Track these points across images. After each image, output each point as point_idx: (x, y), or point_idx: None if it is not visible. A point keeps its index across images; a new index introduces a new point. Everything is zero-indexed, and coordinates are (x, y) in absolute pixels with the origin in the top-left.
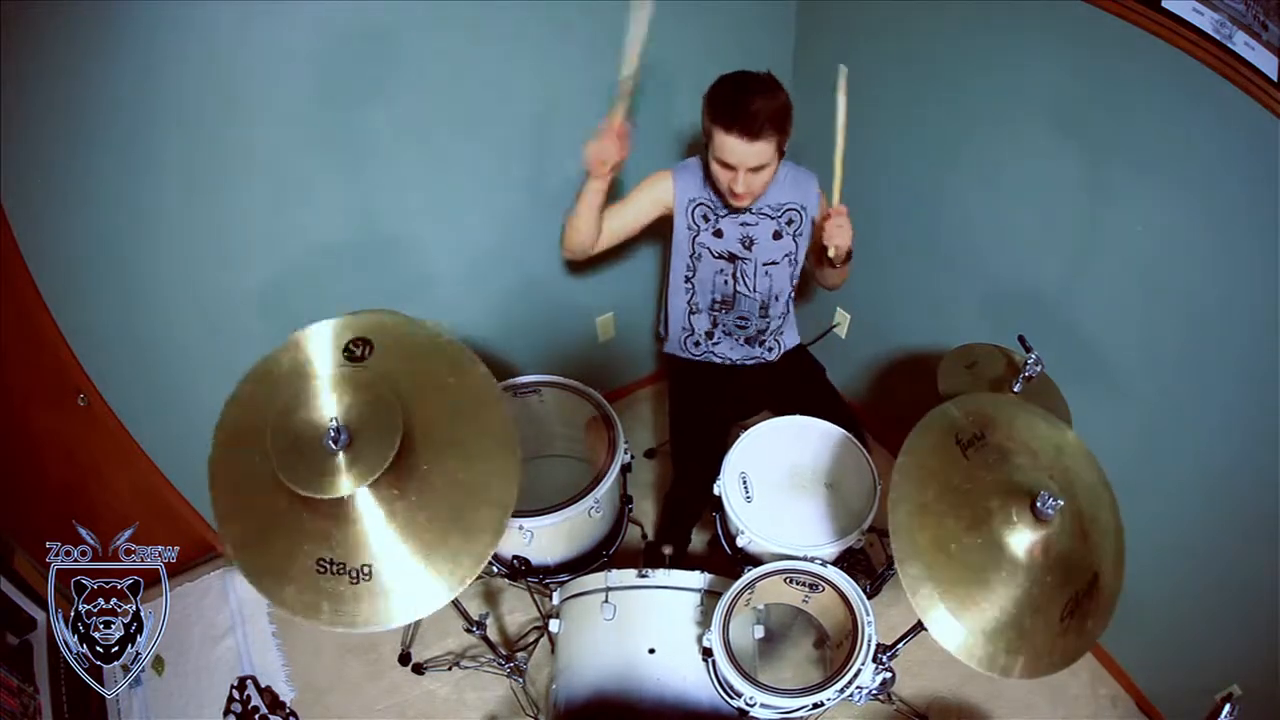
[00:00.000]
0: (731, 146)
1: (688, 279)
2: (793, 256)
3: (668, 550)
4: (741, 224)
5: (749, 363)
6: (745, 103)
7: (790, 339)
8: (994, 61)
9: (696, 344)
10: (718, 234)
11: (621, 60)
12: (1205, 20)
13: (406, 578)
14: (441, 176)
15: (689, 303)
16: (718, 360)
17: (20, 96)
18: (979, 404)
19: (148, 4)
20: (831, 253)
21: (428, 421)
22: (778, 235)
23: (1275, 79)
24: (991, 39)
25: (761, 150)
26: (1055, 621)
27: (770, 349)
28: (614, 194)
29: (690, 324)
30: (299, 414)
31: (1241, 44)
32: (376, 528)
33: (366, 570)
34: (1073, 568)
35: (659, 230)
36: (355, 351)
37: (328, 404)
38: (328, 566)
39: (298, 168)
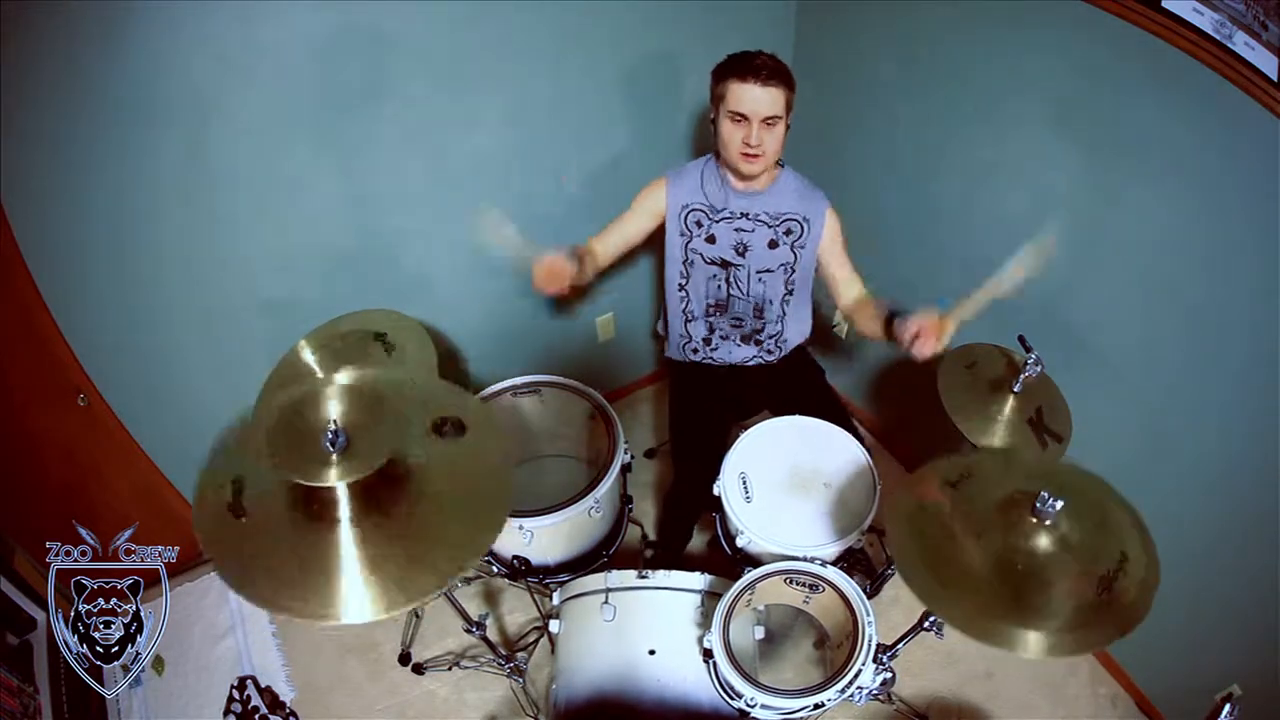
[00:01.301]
0: (744, 94)
1: (681, 286)
2: (789, 267)
3: (648, 553)
4: (736, 230)
5: (749, 364)
6: (753, 55)
7: (793, 340)
8: (994, 61)
9: (695, 350)
10: (710, 239)
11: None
12: (1205, 20)
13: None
14: (442, 177)
15: (684, 311)
16: (717, 364)
17: (20, 97)
18: (962, 460)
19: (148, 4)
20: (914, 353)
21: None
22: (773, 244)
23: (1275, 79)
24: (991, 39)
25: (774, 97)
26: (1093, 597)
27: (771, 351)
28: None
29: (688, 332)
30: (318, 405)
31: (1241, 44)
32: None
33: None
34: (1096, 552)
35: (660, 237)
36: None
37: (333, 409)
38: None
39: (297, 167)
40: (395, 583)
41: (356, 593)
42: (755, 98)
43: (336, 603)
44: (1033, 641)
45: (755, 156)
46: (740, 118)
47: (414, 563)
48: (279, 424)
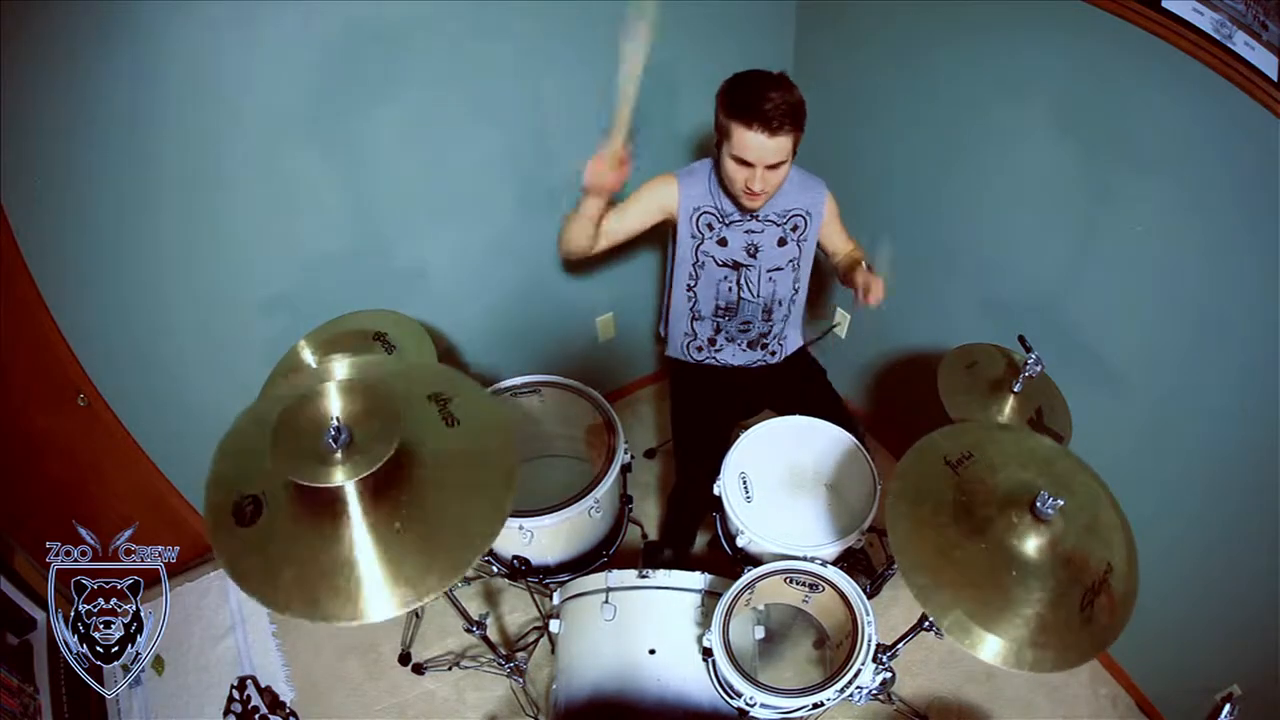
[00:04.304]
0: (751, 142)
1: (690, 288)
2: (796, 262)
3: (668, 553)
4: (747, 231)
5: (751, 365)
6: (764, 98)
7: (793, 341)
8: (994, 62)
9: (699, 349)
10: (722, 243)
11: (619, 91)
12: (1205, 20)
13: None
14: (441, 176)
15: (691, 310)
16: (719, 365)
17: (20, 96)
18: (964, 430)
19: (148, 4)
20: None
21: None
22: (782, 242)
23: (1275, 79)
24: (991, 39)
25: (780, 145)
26: (1076, 613)
27: (774, 352)
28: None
29: (693, 330)
30: (316, 403)
31: (1241, 44)
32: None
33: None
34: (1085, 561)
35: (659, 232)
36: (243, 509)
37: (334, 405)
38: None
39: (297, 168)
40: (414, 572)
41: (378, 588)
42: (762, 146)
43: (360, 599)
44: (1014, 654)
45: (756, 195)
46: (745, 162)
47: (430, 549)
48: (280, 429)
